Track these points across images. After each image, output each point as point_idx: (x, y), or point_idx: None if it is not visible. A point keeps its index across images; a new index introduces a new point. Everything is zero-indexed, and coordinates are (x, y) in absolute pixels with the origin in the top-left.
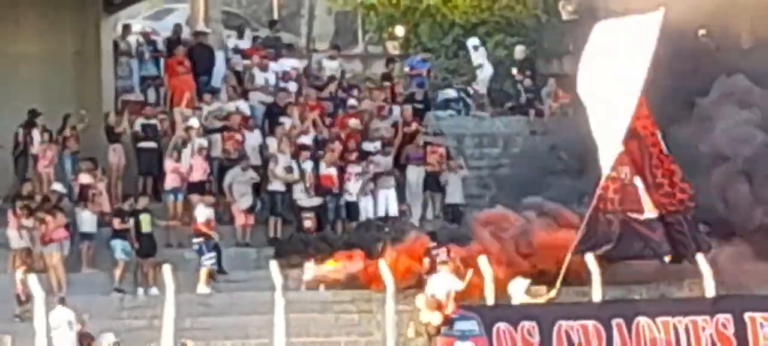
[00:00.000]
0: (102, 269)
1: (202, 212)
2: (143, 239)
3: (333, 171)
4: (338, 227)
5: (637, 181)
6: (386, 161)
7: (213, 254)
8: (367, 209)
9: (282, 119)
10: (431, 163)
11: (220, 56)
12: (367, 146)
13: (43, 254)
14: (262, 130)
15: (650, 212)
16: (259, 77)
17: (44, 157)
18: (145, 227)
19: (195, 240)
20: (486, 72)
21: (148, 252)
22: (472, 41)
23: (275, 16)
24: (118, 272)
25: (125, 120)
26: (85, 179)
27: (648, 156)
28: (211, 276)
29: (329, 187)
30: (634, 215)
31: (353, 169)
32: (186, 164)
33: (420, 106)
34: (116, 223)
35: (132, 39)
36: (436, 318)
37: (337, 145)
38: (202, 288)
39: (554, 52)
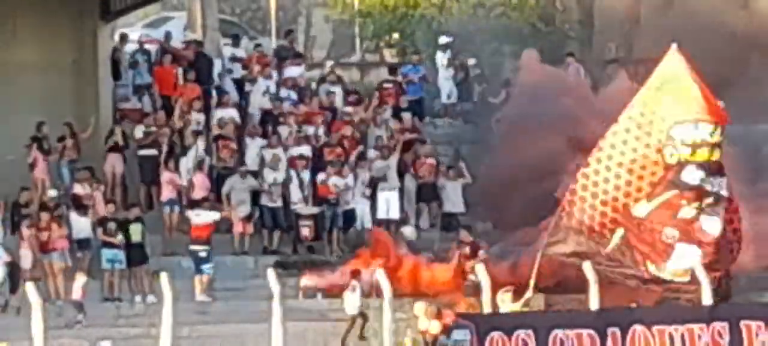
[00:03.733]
0: (99, 277)
1: (207, 216)
2: (133, 249)
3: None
4: (334, 236)
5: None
6: (385, 166)
7: (213, 263)
8: (363, 217)
9: (279, 129)
10: (422, 174)
11: (217, 64)
12: (370, 154)
13: (42, 261)
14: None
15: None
16: (262, 84)
17: (39, 164)
18: (135, 237)
19: (197, 248)
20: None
21: (140, 261)
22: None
23: (273, 24)
24: (105, 282)
25: (119, 134)
26: (79, 189)
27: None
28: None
29: (327, 196)
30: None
31: (348, 175)
32: (184, 175)
33: (414, 113)
34: (99, 233)
35: (128, 47)
36: (434, 326)
37: (334, 152)
38: (202, 296)
39: (551, 60)
